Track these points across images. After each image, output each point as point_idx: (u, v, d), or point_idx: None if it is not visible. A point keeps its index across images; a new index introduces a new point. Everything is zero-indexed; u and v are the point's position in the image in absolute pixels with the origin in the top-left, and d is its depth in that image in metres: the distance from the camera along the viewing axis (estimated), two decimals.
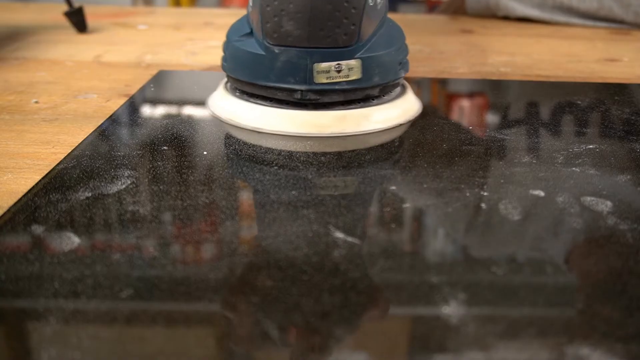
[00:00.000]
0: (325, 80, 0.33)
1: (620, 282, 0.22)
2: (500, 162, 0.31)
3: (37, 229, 0.24)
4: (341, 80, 0.33)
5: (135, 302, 0.21)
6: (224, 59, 0.36)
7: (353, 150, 0.32)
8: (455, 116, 0.41)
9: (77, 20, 0.62)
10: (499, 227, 0.25)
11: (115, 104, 0.40)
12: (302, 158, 0.31)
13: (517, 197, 0.27)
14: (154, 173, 0.29)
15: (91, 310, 0.20)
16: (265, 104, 0.35)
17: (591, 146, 0.33)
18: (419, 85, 0.46)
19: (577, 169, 0.30)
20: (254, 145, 0.33)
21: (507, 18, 0.73)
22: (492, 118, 0.40)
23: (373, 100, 0.35)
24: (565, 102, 0.41)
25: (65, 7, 0.63)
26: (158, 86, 0.44)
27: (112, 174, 0.29)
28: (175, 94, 0.44)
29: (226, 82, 0.38)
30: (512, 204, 0.27)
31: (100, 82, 0.45)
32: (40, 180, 0.28)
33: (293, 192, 0.27)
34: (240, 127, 0.35)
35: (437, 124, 0.36)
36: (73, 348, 0.18)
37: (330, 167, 0.30)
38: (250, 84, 0.35)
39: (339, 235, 0.24)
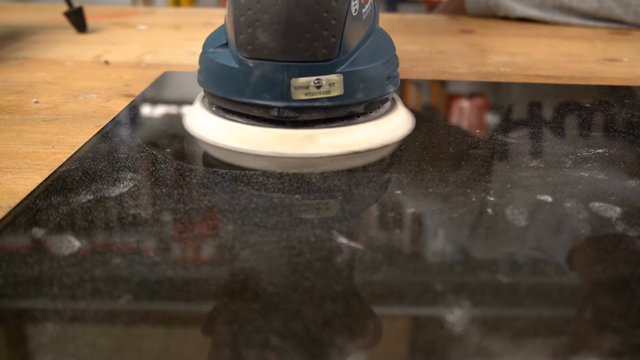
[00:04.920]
0: (304, 97, 0.30)
1: (629, 289, 0.22)
2: (507, 167, 0.31)
3: (38, 232, 0.24)
4: (321, 96, 0.30)
5: (134, 307, 0.20)
6: (199, 71, 0.34)
7: (334, 172, 0.30)
8: (455, 121, 0.39)
9: (77, 20, 0.62)
10: (505, 232, 0.25)
11: (115, 104, 0.40)
12: (275, 179, 0.29)
13: (524, 202, 0.27)
14: (154, 177, 0.29)
15: (90, 315, 0.20)
16: (242, 120, 0.32)
17: (600, 150, 0.33)
18: (418, 86, 0.46)
19: (586, 174, 0.30)
20: (229, 165, 0.30)
21: (507, 18, 0.73)
22: (495, 121, 0.40)
23: (358, 117, 0.33)
24: (572, 105, 0.41)
25: (65, 7, 0.63)
26: (163, 87, 0.44)
27: (115, 176, 0.29)
28: (181, 96, 0.43)
29: (203, 96, 0.36)
30: (519, 209, 0.27)
31: (100, 82, 0.45)
32: (42, 182, 0.28)
33: (262, 216, 0.27)
34: (215, 145, 0.32)
35: (431, 140, 0.34)
36: (70, 355, 0.18)
37: (308, 190, 0.28)
38: (225, 99, 0.32)
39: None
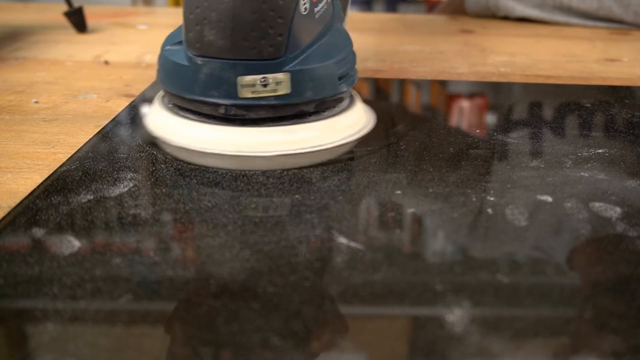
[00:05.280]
0: (250, 95, 0.30)
1: (630, 290, 0.22)
2: (507, 167, 0.31)
3: (38, 232, 0.24)
4: (268, 95, 0.30)
5: (134, 307, 0.20)
6: (157, 68, 0.34)
7: (280, 170, 0.30)
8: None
9: (77, 20, 0.62)
10: (506, 232, 0.25)
11: (115, 104, 0.40)
12: (220, 177, 0.29)
13: (524, 202, 0.27)
14: (154, 178, 0.29)
15: (90, 315, 0.20)
16: (194, 118, 0.32)
17: (600, 150, 0.33)
18: (419, 86, 0.46)
19: (586, 174, 0.30)
20: (178, 160, 0.31)
21: (507, 18, 0.73)
22: (495, 121, 0.40)
23: (310, 116, 0.33)
24: (572, 105, 0.41)
25: (65, 7, 0.63)
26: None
27: (115, 176, 0.29)
28: None
29: (162, 95, 0.36)
30: (519, 209, 0.27)
31: (100, 82, 0.45)
32: (42, 182, 0.28)
33: (215, 214, 0.27)
34: (169, 143, 0.33)
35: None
36: (71, 354, 0.18)
37: (253, 187, 0.28)
38: (177, 96, 0.32)
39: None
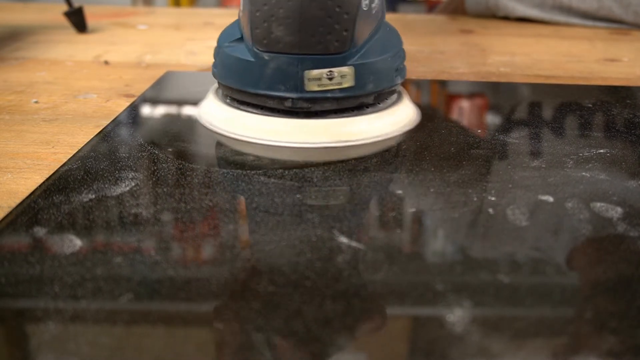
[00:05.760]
0: (316, 88, 0.32)
1: (630, 290, 0.22)
2: (508, 167, 0.31)
3: (40, 231, 0.24)
4: (333, 88, 0.32)
5: (135, 306, 0.20)
6: (214, 65, 0.35)
7: (346, 160, 0.31)
8: (457, 120, 0.40)
9: (77, 20, 0.62)
10: (507, 232, 0.25)
11: (115, 104, 0.40)
12: (290, 168, 0.30)
13: (525, 202, 0.27)
14: (155, 177, 0.29)
15: (91, 314, 0.20)
16: (256, 112, 0.33)
17: (601, 150, 0.33)
18: (419, 87, 0.46)
19: (587, 174, 0.30)
20: (243, 154, 0.32)
21: (507, 18, 0.73)
22: (496, 121, 0.40)
23: (367, 108, 0.34)
24: (572, 105, 0.41)
25: (65, 7, 0.63)
26: (165, 87, 0.44)
27: (116, 175, 0.29)
28: (183, 96, 0.44)
29: (217, 89, 0.37)
30: (520, 209, 0.27)
31: (100, 82, 0.45)
32: (44, 182, 0.28)
33: (279, 203, 0.27)
34: (230, 136, 0.34)
35: (437, 130, 0.35)
36: (71, 353, 0.18)
37: (322, 177, 0.29)
38: (240, 91, 0.33)
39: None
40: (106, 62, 0.51)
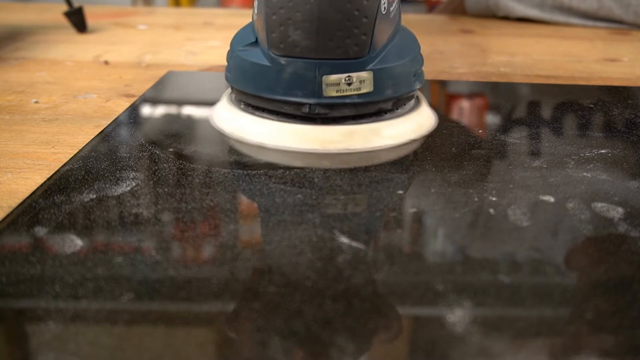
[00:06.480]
0: (335, 94, 0.31)
1: (632, 290, 0.22)
2: (509, 167, 0.31)
3: (41, 231, 0.24)
4: (352, 93, 0.31)
5: (136, 306, 0.20)
6: (228, 69, 0.35)
7: (363, 167, 0.30)
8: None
9: (77, 20, 0.62)
10: (507, 233, 0.25)
11: (115, 104, 0.40)
12: (308, 175, 0.29)
13: (526, 202, 0.27)
14: (157, 177, 0.29)
15: (92, 313, 0.20)
16: (272, 117, 0.33)
17: (603, 151, 0.33)
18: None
19: (589, 174, 0.30)
20: (258, 161, 0.31)
21: (507, 18, 0.73)
22: (500, 121, 0.40)
23: (385, 114, 0.33)
24: (573, 105, 0.41)
25: (65, 7, 0.63)
26: (167, 87, 0.44)
27: (117, 175, 0.29)
28: (185, 96, 0.43)
29: (230, 93, 0.37)
30: (521, 209, 0.27)
31: (100, 82, 0.45)
32: (45, 181, 0.28)
33: (297, 210, 0.27)
34: (244, 142, 0.33)
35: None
36: (72, 353, 0.18)
37: (339, 184, 0.28)
38: (255, 96, 0.33)
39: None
40: (106, 62, 0.51)
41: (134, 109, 0.39)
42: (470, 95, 0.46)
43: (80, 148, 0.32)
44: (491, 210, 0.26)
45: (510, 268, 0.23)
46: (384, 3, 0.31)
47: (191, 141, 0.33)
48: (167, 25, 0.69)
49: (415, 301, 0.21)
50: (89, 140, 0.33)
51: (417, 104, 0.36)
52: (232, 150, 0.33)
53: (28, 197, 0.27)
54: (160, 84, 0.44)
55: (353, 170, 0.30)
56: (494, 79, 0.47)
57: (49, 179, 0.29)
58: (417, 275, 0.22)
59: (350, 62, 0.30)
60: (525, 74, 0.49)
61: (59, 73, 0.47)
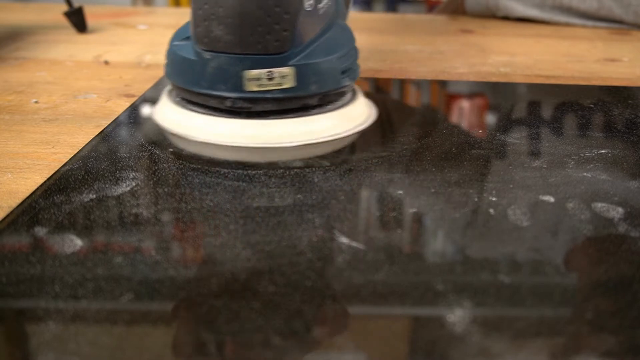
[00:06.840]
0: (256, 88, 0.31)
1: (632, 290, 0.22)
2: (509, 167, 0.31)
3: (40, 231, 0.24)
4: (274, 88, 0.31)
5: (136, 306, 0.20)
6: (165, 63, 0.35)
7: (283, 162, 0.30)
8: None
9: (77, 20, 0.62)
10: (507, 233, 0.25)
11: (115, 104, 0.40)
12: (227, 167, 0.30)
13: (526, 202, 0.27)
14: (157, 177, 0.29)
15: (92, 313, 0.20)
16: (201, 111, 0.33)
17: (603, 151, 0.33)
18: (419, 86, 0.46)
19: (588, 174, 0.30)
20: (181, 152, 0.32)
21: (507, 18, 0.73)
22: (497, 121, 0.40)
23: (313, 109, 0.33)
24: (573, 105, 0.41)
25: (65, 7, 0.63)
26: (166, 87, 0.44)
27: (117, 175, 0.29)
28: None
29: (170, 89, 0.37)
30: (521, 209, 0.27)
31: (100, 82, 0.45)
32: (45, 181, 0.28)
33: (214, 203, 0.27)
34: (178, 135, 0.33)
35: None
36: (72, 353, 0.18)
37: (260, 179, 0.28)
38: (186, 90, 0.33)
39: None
40: (106, 62, 0.51)
41: (134, 109, 0.39)
42: (470, 95, 0.46)
43: (80, 148, 0.32)
44: (491, 210, 0.26)
45: (510, 268, 0.23)
46: (309, 0, 0.31)
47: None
48: (167, 25, 0.69)
49: (415, 301, 0.21)
50: (89, 140, 0.33)
51: (353, 98, 0.36)
52: (161, 144, 0.33)
53: (28, 197, 0.27)
54: (160, 84, 0.44)
55: (271, 165, 0.30)
56: (494, 79, 0.47)
57: (48, 179, 0.29)
58: (417, 275, 0.22)
59: (272, 58, 0.31)
60: (525, 74, 0.49)
61: (59, 73, 0.47)
